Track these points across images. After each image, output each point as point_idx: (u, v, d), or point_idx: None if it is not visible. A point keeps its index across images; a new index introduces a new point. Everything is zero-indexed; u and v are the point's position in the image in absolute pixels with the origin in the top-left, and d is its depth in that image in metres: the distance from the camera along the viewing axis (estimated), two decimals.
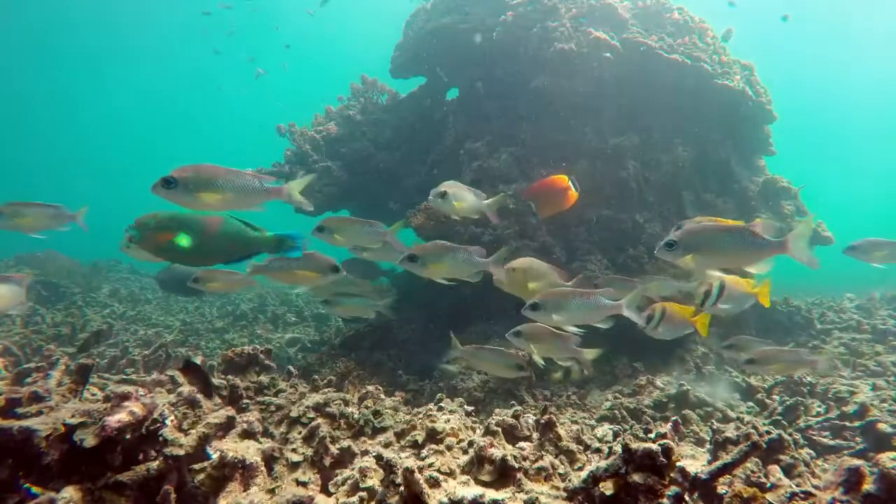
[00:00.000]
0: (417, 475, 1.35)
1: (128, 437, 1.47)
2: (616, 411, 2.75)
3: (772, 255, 1.87)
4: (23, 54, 26.68)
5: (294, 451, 1.77)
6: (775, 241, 1.84)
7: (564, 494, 1.43)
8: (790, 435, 1.91)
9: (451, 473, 1.52)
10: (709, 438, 1.93)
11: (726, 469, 1.44)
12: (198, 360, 2.19)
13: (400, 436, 1.86)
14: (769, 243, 1.83)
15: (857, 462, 1.34)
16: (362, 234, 2.48)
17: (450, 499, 1.37)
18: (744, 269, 2.22)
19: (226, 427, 1.74)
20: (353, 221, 2.56)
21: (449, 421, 1.78)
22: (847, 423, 2.53)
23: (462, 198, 2.56)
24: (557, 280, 2.47)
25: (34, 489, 1.36)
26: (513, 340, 2.31)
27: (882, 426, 2.37)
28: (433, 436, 1.71)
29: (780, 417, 2.56)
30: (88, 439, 1.39)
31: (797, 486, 1.50)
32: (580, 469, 1.63)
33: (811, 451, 2.07)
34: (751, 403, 2.97)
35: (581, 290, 2.21)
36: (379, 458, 1.51)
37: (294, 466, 1.72)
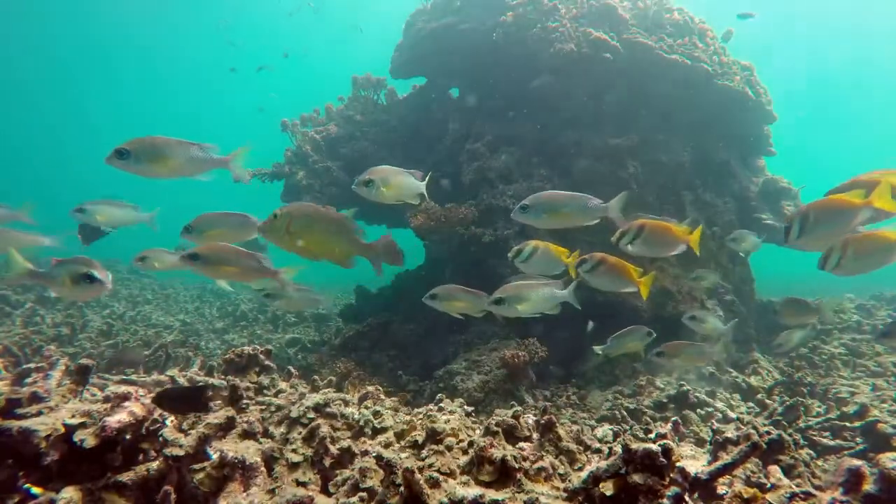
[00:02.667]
0: (417, 475, 1.35)
1: (128, 437, 1.47)
2: (616, 411, 2.75)
3: (597, 216, 2.27)
4: (31, 51, 26.69)
5: (294, 451, 1.77)
6: (602, 205, 2.23)
7: (564, 495, 1.42)
8: (790, 435, 1.91)
9: (451, 474, 1.52)
10: (709, 439, 1.93)
11: (726, 469, 1.44)
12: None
13: (400, 436, 1.86)
14: (599, 208, 2.23)
15: (857, 462, 1.34)
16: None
17: (450, 499, 1.37)
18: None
19: (226, 427, 1.74)
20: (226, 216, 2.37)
21: (449, 421, 1.78)
22: (847, 424, 2.53)
23: (391, 182, 2.27)
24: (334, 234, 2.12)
25: (34, 489, 1.36)
26: (658, 360, 2.50)
27: (882, 426, 2.37)
28: (433, 436, 1.71)
29: (780, 418, 2.56)
30: (88, 439, 1.39)
31: (797, 486, 1.50)
32: (580, 469, 1.63)
33: (811, 452, 2.07)
34: (751, 404, 2.97)
35: (535, 283, 2.36)
36: (379, 458, 1.51)
37: (294, 467, 1.72)
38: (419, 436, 1.75)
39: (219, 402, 1.91)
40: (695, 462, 1.73)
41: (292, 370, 2.54)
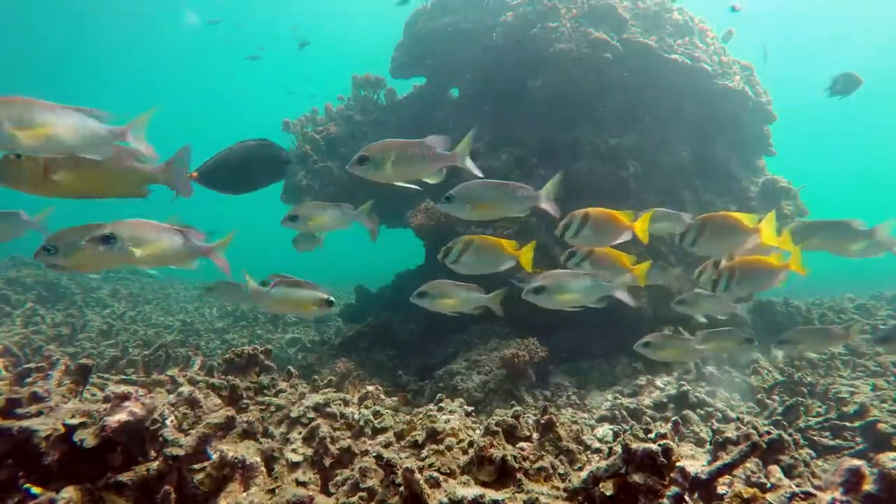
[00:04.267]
0: (417, 475, 1.34)
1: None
2: (616, 411, 2.75)
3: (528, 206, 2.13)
4: (24, 50, 26.64)
5: (294, 451, 1.77)
6: (534, 194, 2.10)
7: (564, 494, 1.42)
8: (790, 435, 1.91)
9: (451, 473, 1.52)
10: (709, 438, 1.93)
11: (726, 469, 1.44)
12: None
13: (400, 436, 1.86)
14: (529, 197, 2.10)
15: (857, 462, 1.34)
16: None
17: (450, 499, 1.37)
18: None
19: (226, 427, 1.74)
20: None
21: (449, 421, 1.78)
22: (847, 424, 2.53)
23: (318, 215, 2.37)
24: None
25: (34, 489, 1.36)
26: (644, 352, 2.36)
27: (882, 426, 2.37)
28: (433, 436, 1.71)
29: (780, 417, 2.56)
30: (88, 439, 1.39)
31: (797, 486, 1.50)
32: (580, 469, 1.63)
33: (811, 452, 2.07)
34: (751, 403, 2.97)
35: (579, 273, 2.20)
36: (379, 458, 1.51)
37: (294, 466, 1.72)
38: (419, 436, 1.75)
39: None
40: (695, 462, 1.73)
41: (292, 370, 2.54)
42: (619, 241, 2.21)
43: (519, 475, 1.48)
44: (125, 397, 1.51)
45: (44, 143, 1.43)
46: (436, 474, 1.46)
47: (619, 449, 1.30)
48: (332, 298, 2.05)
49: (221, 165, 2.23)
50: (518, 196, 2.08)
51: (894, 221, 2.26)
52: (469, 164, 2.01)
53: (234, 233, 1.91)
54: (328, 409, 1.96)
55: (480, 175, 2.07)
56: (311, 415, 1.93)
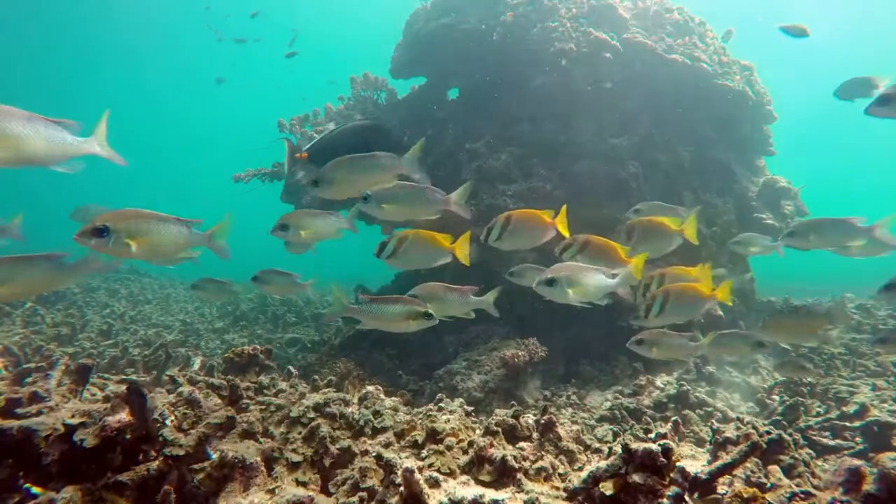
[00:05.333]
0: (417, 475, 1.35)
1: (128, 436, 1.47)
2: (616, 411, 2.75)
3: (439, 208, 2.16)
4: (24, 51, 26.62)
5: (294, 451, 1.77)
6: (444, 198, 2.13)
7: (564, 494, 1.43)
8: (790, 435, 1.91)
9: (450, 473, 1.52)
10: (709, 438, 1.93)
11: (726, 469, 1.44)
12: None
13: (400, 436, 1.86)
14: (440, 200, 2.13)
15: (857, 462, 1.34)
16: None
17: (450, 499, 1.37)
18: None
19: (226, 427, 1.74)
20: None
21: (449, 421, 1.78)
22: (847, 424, 2.53)
23: (308, 225, 2.34)
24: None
25: (34, 489, 1.36)
26: (638, 349, 2.30)
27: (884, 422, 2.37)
28: (433, 436, 1.71)
29: (780, 417, 2.56)
30: (88, 439, 1.39)
31: (797, 486, 1.50)
32: (580, 469, 1.63)
33: (811, 451, 2.07)
34: (751, 403, 2.97)
35: (587, 267, 2.17)
36: (379, 458, 1.52)
37: (294, 466, 1.72)
38: (419, 436, 1.75)
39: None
40: (695, 462, 1.73)
41: (292, 370, 2.54)
42: (544, 240, 2.23)
43: (519, 475, 1.48)
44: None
45: (11, 154, 1.35)
46: (436, 474, 1.46)
47: (619, 449, 1.30)
48: (430, 311, 1.99)
49: (331, 146, 2.16)
50: (430, 199, 2.13)
51: (893, 217, 2.27)
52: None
53: (229, 215, 1.84)
54: (328, 409, 1.96)
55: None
56: (311, 415, 1.93)
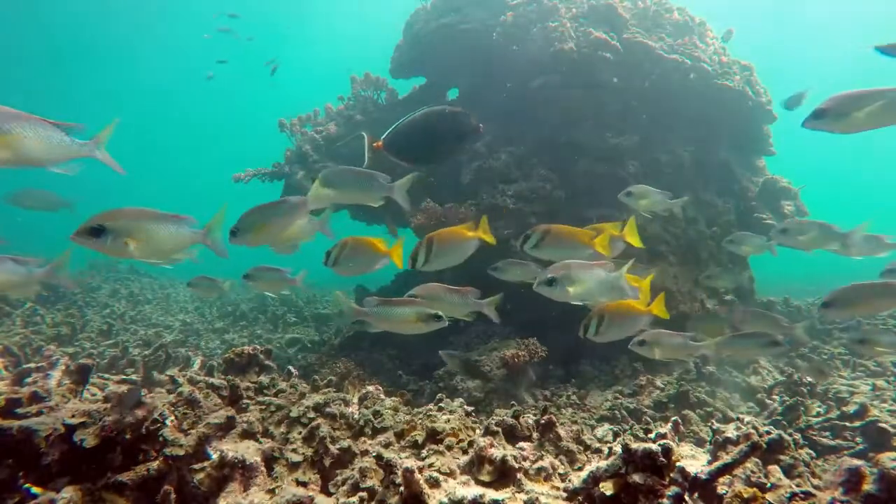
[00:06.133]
0: (417, 475, 1.35)
1: (128, 437, 1.47)
2: (616, 411, 2.75)
3: (382, 195, 2.18)
4: (27, 50, 26.60)
5: (294, 451, 1.77)
6: (388, 185, 2.15)
7: (564, 494, 1.43)
8: (790, 435, 1.91)
9: (450, 473, 1.52)
10: (709, 438, 1.93)
11: (726, 469, 1.44)
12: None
13: (400, 436, 1.86)
14: (384, 187, 2.15)
15: (857, 462, 1.35)
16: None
17: (450, 499, 1.37)
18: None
19: (226, 427, 1.74)
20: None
21: (449, 421, 1.78)
22: (847, 423, 2.53)
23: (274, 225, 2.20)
24: None
25: (34, 489, 1.36)
26: (640, 350, 2.29)
27: (882, 426, 2.37)
28: (433, 436, 1.71)
29: (780, 417, 2.56)
30: (88, 439, 1.39)
31: (797, 486, 1.50)
32: (580, 469, 1.63)
33: (811, 451, 2.07)
34: (751, 403, 2.97)
35: (588, 263, 2.15)
36: (379, 458, 1.52)
37: (294, 466, 1.72)
38: (419, 436, 1.75)
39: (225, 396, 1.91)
40: (695, 462, 1.73)
41: (292, 370, 2.54)
42: (468, 255, 2.25)
43: (519, 475, 1.48)
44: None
45: (9, 155, 1.36)
46: (436, 474, 1.46)
47: (619, 449, 1.30)
48: (439, 313, 1.98)
49: (407, 133, 2.14)
50: (374, 185, 2.15)
51: (868, 225, 2.35)
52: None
53: (225, 206, 1.79)
54: (328, 409, 1.96)
55: None
56: (311, 415, 1.93)
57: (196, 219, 1.78)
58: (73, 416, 1.45)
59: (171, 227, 1.64)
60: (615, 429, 2.41)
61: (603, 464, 1.33)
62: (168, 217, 1.64)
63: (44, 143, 1.40)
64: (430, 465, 1.54)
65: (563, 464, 1.65)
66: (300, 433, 1.85)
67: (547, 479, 1.53)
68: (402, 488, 1.36)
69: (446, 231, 2.25)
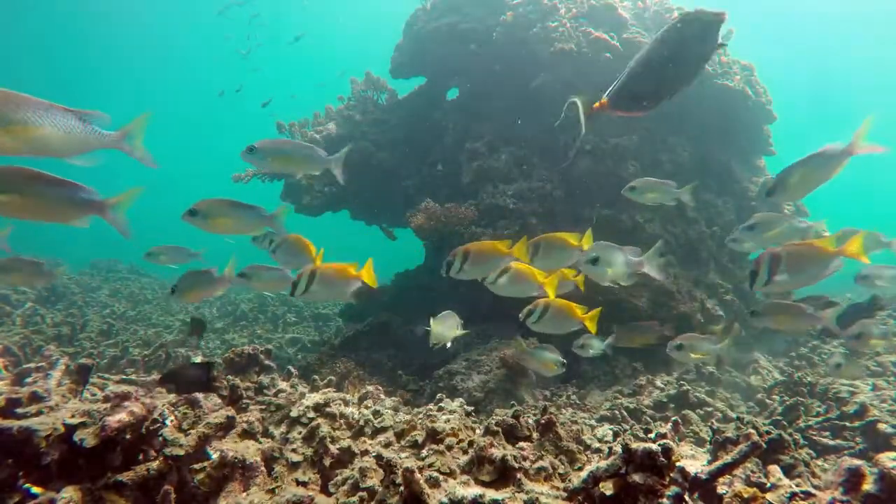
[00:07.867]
0: (417, 475, 1.34)
1: (128, 437, 1.47)
2: (616, 411, 2.75)
3: (321, 167, 2.37)
4: (25, 53, 26.61)
5: (294, 451, 1.77)
6: (327, 158, 2.34)
7: (564, 494, 1.42)
8: (790, 435, 1.91)
9: (451, 473, 1.52)
10: (709, 438, 1.93)
11: (726, 469, 1.44)
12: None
13: (400, 436, 1.86)
14: (325, 160, 2.34)
15: (857, 462, 1.34)
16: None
17: (450, 499, 1.37)
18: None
19: (226, 427, 1.74)
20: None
21: (449, 421, 1.78)
22: (847, 423, 2.53)
23: (220, 214, 2.21)
24: None
25: (34, 489, 1.36)
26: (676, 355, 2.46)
27: (882, 426, 2.37)
28: (433, 436, 1.71)
29: (780, 417, 2.56)
30: (88, 439, 1.39)
31: (797, 486, 1.50)
32: (580, 469, 1.63)
33: (811, 451, 2.07)
34: (751, 403, 2.97)
35: (617, 246, 2.30)
36: (379, 458, 1.51)
37: (294, 466, 1.72)
38: (419, 435, 1.75)
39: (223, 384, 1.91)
40: (695, 462, 1.73)
41: (292, 370, 2.54)
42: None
43: (519, 475, 1.48)
44: (125, 397, 1.51)
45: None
46: (436, 474, 1.46)
47: (619, 449, 1.30)
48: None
49: (640, 75, 1.82)
50: (314, 157, 2.33)
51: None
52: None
53: (147, 113, 1.53)
54: (328, 409, 1.96)
55: None
56: (311, 415, 1.93)
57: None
58: (73, 416, 1.45)
59: (61, 120, 1.30)
60: (615, 429, 2.41)
61: (603, 464, 1.33)
62: (59, 108, 1.31)
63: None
64: (430, 465, 1.54)
65: (563, 464, 1.65)
66: (300, 433, 1.85)
67: (547, 478, 1.53)
68: (402, 488, 1.36)
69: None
